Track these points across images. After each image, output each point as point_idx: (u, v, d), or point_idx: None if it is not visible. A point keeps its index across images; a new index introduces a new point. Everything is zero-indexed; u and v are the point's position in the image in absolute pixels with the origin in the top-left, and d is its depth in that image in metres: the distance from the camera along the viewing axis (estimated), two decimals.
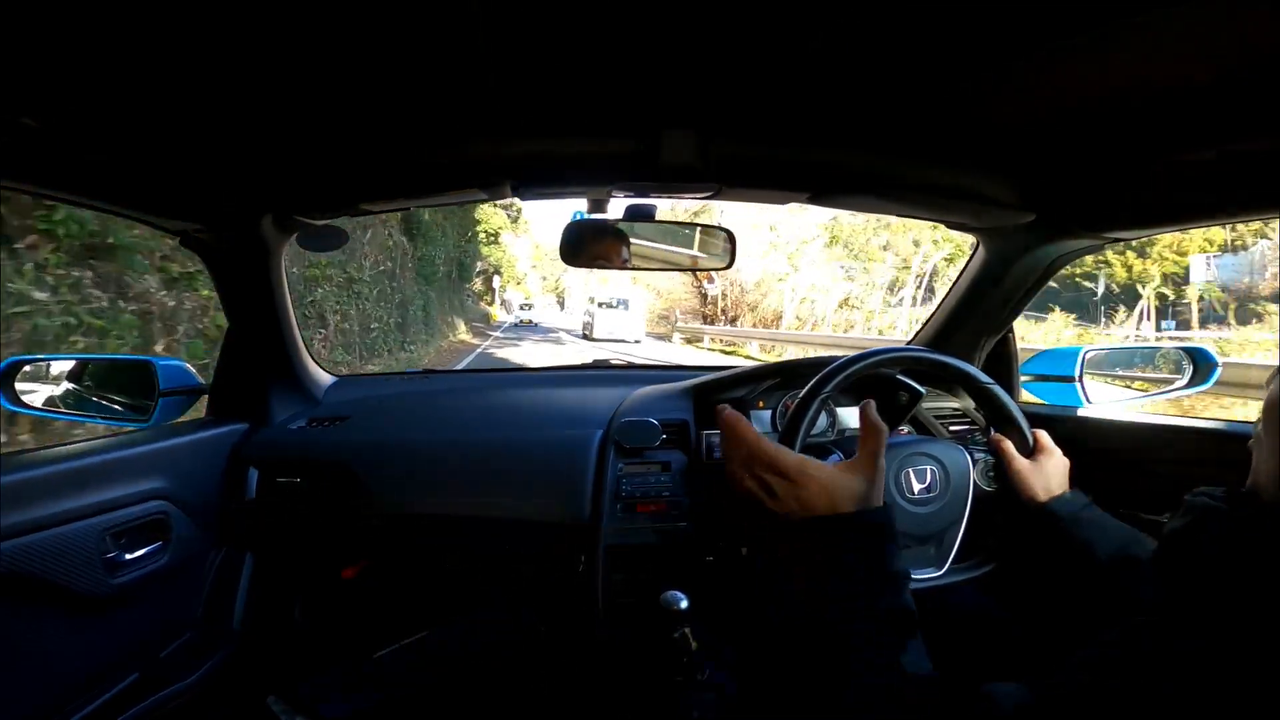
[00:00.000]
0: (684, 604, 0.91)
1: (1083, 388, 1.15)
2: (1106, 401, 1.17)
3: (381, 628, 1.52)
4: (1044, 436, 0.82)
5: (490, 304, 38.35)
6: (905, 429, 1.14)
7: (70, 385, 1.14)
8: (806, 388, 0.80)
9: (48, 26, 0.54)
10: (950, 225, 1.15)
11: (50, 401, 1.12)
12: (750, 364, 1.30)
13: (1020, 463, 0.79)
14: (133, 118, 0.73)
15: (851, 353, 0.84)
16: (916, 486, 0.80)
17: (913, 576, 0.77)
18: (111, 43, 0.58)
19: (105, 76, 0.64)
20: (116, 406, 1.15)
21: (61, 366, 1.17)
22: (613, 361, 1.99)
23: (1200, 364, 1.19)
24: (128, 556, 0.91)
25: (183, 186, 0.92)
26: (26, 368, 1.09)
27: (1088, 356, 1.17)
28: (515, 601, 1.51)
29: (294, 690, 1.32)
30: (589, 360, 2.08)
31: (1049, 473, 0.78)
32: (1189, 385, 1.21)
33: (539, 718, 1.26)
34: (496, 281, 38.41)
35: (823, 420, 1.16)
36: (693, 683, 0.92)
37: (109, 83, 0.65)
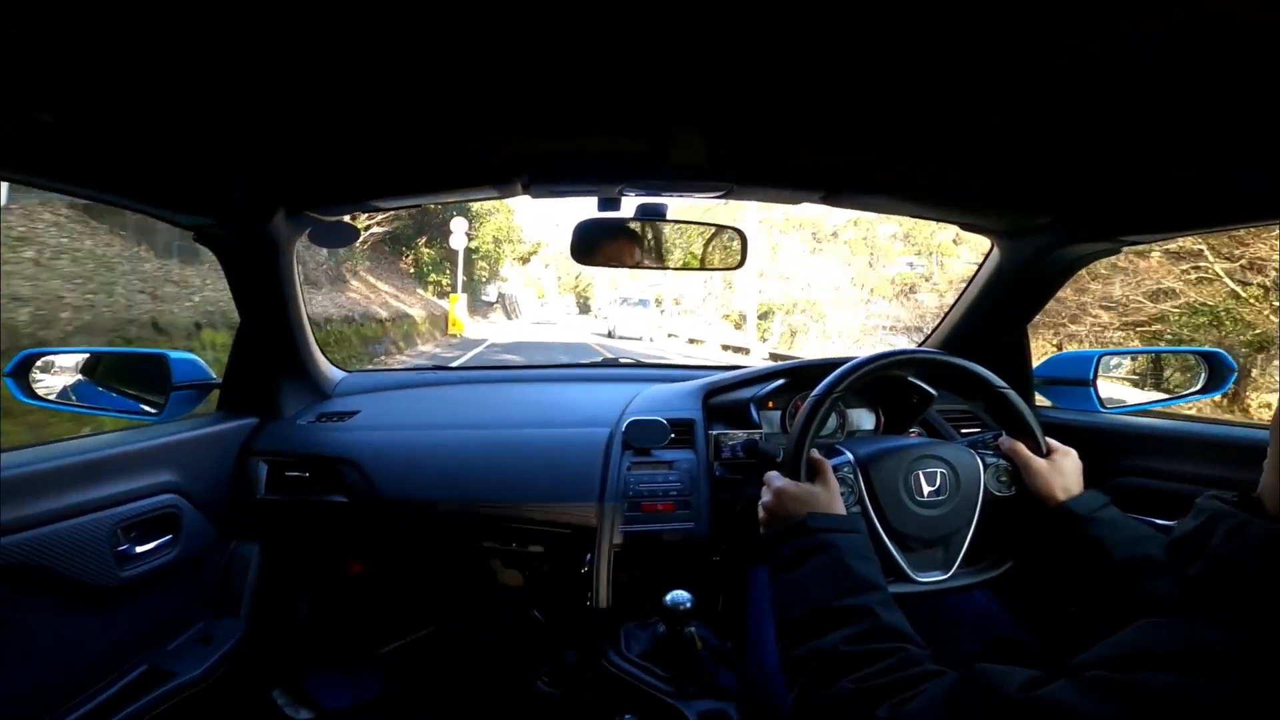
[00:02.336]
0: (689, 604, 0.91)
1: (1098, 392, 1.13)
2: (1121, 406, 1.16)
3: (386, 623, 1.52)
4: (1055, 442, 0.82)
5: (448, 288, 15.81)
6: (916, 431, 1.13)
7: (83, 378, 1.15)
8: (819, 388, 0.80)
9: (63, 23, 0.54)
10: (965, 227, 1.14)
11: (63, 394, 1.12)
12: (761, 364, 1.29)
13: (1037, 463, 0.79)
14: (147, 114, 0.74)
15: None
16: (926, 489, 0.79)
17: (919, 580, 0.76)
18: (126, 40, 0.58)
19: (120, 73, 0.64)
20: (129, 400, 1.16)
21: (75, 359, 1.17)
22: (621, 360, 2.00)
23: (1216, 369, 1.17)
24: (138, 549, 0.92)
25: (196, 182, 0.93)
26: (40, 360, 1.10)
27: (1103, 360, 1.16)
28: (520, 599, 1.51)
29: (299, 684, 1.33)
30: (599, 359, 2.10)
31: (1066, 472, 0.78)
32: (1204, 390, 1.19)
33: (541, 716, 1.26)
34: (459, 241, 15.34)
35: (832, 421, 1.15)
36: (697, 681, 0.92)
37: (123, 79, 0.66)
